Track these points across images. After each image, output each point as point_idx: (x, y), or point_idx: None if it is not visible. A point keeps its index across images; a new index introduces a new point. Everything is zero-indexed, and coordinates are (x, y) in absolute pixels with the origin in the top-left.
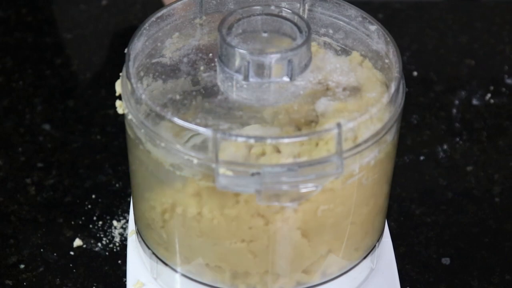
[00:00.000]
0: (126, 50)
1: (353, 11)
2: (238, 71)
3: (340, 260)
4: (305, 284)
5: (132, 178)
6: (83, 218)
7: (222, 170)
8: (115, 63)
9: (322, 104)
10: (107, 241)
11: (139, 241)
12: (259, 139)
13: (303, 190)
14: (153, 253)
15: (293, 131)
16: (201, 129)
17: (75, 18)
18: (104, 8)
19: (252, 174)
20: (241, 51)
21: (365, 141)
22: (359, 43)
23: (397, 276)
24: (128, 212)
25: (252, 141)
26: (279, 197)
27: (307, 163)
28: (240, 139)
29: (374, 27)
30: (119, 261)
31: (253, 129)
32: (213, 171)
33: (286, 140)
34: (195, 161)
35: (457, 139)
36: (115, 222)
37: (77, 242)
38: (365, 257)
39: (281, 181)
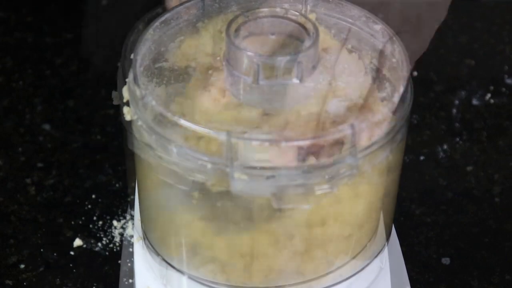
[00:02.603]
0: (132, 56)
1: (356, 11)
2: (247, 74)
3: (353, 261)
4: (317, 286)
5: (140, 185)
6: (83, 218)
7: (237, 174)
8: (115, 63)
9: (334, 105)
10: (107, 241)
11: (148, 247)
12: (273, 141)
13: (319, 192)
14: (163, 259)
15: (305, 132)
16: (215, 133)
17: (75, 18)
18: (104, 8)
19: (267, 177)
20: (250, 53)
21: (378, 141)
22: (364, 43)
23: (406, 274)
24: (128, 212)
25: (266, 144)
26: (295, 200)
27: (321, 164)
28: (254, 143)
29: (378, 27)
30: (119, 261)
31: (265, 132)
32: (228, 175)
33: (300, 143)
34: (209, 165)
35: (457, 139)
36: (115, 222)
37: (77, 242)
38: (375, 257)
39: (296, 183)
